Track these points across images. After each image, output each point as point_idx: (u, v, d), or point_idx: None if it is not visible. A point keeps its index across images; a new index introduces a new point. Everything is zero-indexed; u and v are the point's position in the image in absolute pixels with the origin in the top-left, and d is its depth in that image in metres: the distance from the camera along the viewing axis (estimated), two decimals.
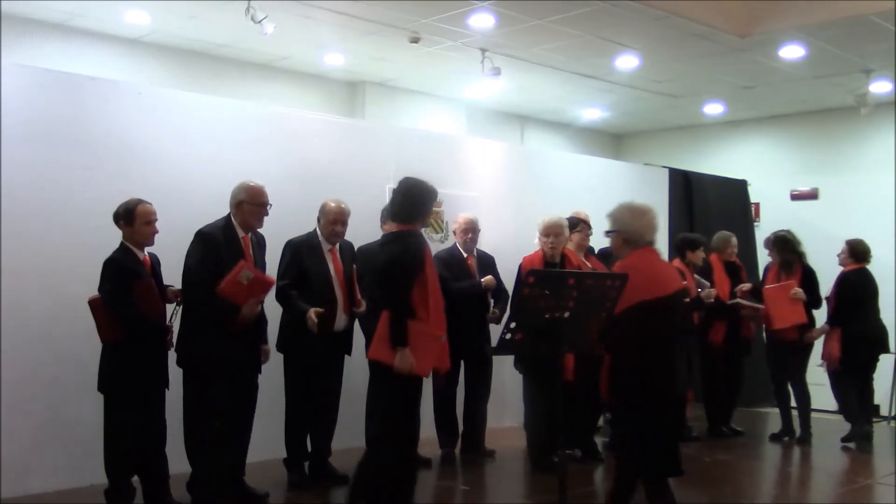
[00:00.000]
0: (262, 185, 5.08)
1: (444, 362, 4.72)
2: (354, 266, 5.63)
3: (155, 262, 4.96)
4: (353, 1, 7.34)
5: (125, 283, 4.70)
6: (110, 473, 4.79)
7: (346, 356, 5.70)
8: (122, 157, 5.73)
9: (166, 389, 4.93)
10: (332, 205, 5.55)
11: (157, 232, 4.88)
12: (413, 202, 4.66)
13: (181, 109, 6.14)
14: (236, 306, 4.78)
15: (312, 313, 5.18)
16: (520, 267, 6.04)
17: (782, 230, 7.60)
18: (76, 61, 8.05)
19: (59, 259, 5.41)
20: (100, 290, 4.74)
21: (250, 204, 4.98)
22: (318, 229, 5.57)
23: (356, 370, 5.82)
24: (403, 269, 4.50)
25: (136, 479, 4.90)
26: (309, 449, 5.64)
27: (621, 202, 4.62)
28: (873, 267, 10.36)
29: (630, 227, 4.49)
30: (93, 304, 4.75)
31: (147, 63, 8.72)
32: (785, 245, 7.41)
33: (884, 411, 9.98)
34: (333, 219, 5.52)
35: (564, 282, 4.13)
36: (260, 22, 7.23)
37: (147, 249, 4.92)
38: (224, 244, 4.89)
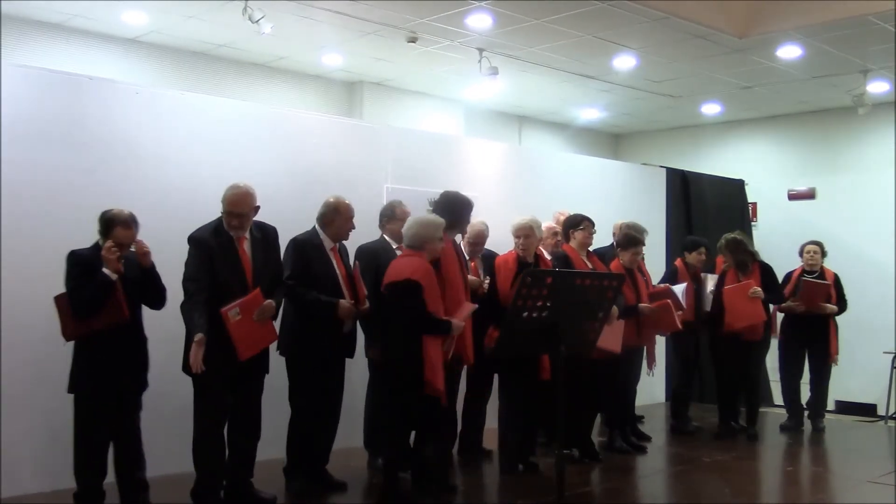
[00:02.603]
0: (241, 194, 4.88)
1: (466, 353, 5.38)
2: (357, 263, 5.57)
3: (130, 262, 4.74)
4: (351, 1, 7.34)
5: (81, 276, 4.58)
6: (79, 476, 4.72)
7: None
8: (120, 156, 5.73)
9: (144, 389, 4.85)
10: (344, 203, 5.41)
11: (123, 256, 4.66)
12: (450, 211, 5.43)
13: (179, 109, 6.13)
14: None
15: (348, 303, 5.21)
16: (493, 267, 6.03)
17: (732, 233, 7.67)
18: (74, 61, 8.07)
19: (59, 260, 5.38)
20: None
21: (223, 209, 4.90)
22: (319, 228, 5.41)
23: (355, 371, 5.82)
24: None
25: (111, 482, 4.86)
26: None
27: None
28: (871, 267, 10.47)
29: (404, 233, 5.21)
30: (57, 300, 4.66)
31: (145, 63, 8.73)
32: (737, 246, 7.48)
33: (881, 410, 10.02)
34: (349, 216, 5.41)
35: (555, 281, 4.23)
36: (257, 21, 7.22)
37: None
38: (216, 248, 4.81)
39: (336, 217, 5.39)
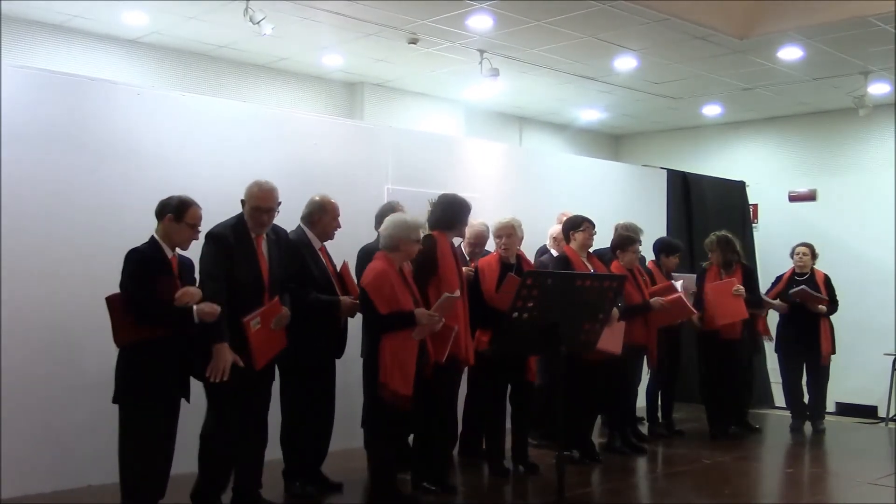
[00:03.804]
0: (269, 189, 4.83)
1: (461, 354, 5.30)
2: (346, 262, 5.51)
3: (185, 265, 4.59)
4: (352, 2, 7.35)
5: (146, 276, 4.30)
6: (130, 497, 4.39)
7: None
8: (120, 158, 5.73)
9: (184, 400, 4.58)
10: (329, 200, 5.34)
11: (196, 238, 4.56)
12: (448, 213, 5.46)
13: (180, 110, 6.13)
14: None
15: (349, 299, 5.16)
16: (476, 269, 5.99)
17: (722, 231, 7.70)
18: (75, 62, 8.08)
19: (59, 260, 5.41)
20: (121, 283, 4.35)
21: (249, 206, 4.82)
22: (306, 227, 5.33)
23: (354, 371, 5.82)
24: (418, 267, 5.26)
25: None
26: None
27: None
28: (871, 268, 10.48)
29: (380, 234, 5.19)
30: (110, 301, 4.37)
31: (146, 64, 8.73)
32: (727, 245, 7.54)
33: (881, 412, 10.01)
34: (335, 214, 5.34)
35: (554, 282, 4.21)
36: (258, 23, 7.23)
37: (179, 252, 4.60)
38: (236, 246, 4.70)
39: (322, 216, 5.32)
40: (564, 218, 6.79)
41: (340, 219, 5.43)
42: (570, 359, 5.47)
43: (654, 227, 8.72)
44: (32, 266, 5.31)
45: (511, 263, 5.93)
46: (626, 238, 6.80)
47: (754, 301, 7.58)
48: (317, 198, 5.37)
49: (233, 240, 4.71)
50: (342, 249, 5.65)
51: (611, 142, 13.42)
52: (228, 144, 6.26)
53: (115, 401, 4.39)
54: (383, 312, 4.83)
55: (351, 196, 6.57)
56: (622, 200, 9.14)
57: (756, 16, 8.02)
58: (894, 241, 10.34)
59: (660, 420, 7.76)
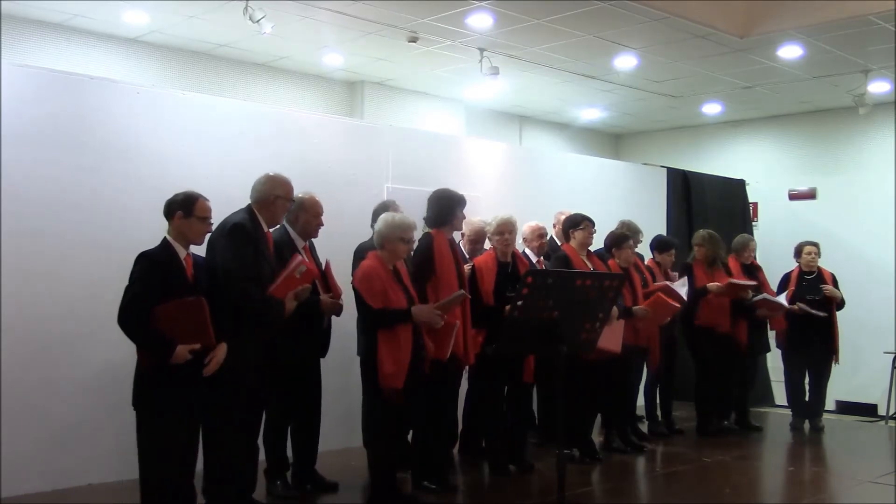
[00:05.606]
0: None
1: (461, 353, 5.35)
2: (328, 261, 5.40)
3: (199, 265, 4.39)
4: (352, 1, 7.35)
5: (157, 280, 4.11)
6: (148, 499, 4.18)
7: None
8: (121, 156, 5.74)
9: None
10: (309, 198, 5.23)
11: (210, 231, 4.41)
12: (440, 209, 5.49)
13: (180, 109, 6.14)
14: (282, 302, 4.56)
15: (328, 298, 5.12)
16: (472, 268, 5.94)
17: (707, 229, 7.76)
18: (75, 61, 8.07)
19: (60, 259, 5.41)
20: (126, 288, 4.15)
21: (285, 199, 4.80)
22: (288, 226, 5.19)
23: (353, 370, 5.82)
24: (416, 266, 5.33)
25: None
26: (290, 456, 5.38)
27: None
28: (871, 267, 10.48)
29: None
30: (194, 304, 4.15)
31: (146, 63, 8.73)
32: (715, 242, 7.60)
33: (881, 411, 10.02)
34: (316, 213, 5.23)
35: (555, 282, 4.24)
36: (258, 21, 7.23)
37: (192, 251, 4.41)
38: (257, 239, 4.65)
39: (301, 213, 5.20)
40: (563, 217, 6.78)
41: (340, 217, 5.42)
42: (570, 357, 5.45)
43: (654, 225, 8.72)
44: (32, 266, 5.31)
45: (507, 262, 5.90)
46: (620, 236, 6.79)
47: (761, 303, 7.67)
48: (297, 195, 5.20)
49: (253, 233, 4.67)
50: (342, 248, 5.65)
51: (611, 141, 13.42)
52: (228, 143, 6.26)
53: (133, 405, 4.21)
54: (375, 307, 4.86)
55: (351, 195, 6.58)
56: (622, 199, 9.14)
57: (756, 14, 8.02)
58: (894, 240, 10.35)
59: (659, 419, 7.75)
